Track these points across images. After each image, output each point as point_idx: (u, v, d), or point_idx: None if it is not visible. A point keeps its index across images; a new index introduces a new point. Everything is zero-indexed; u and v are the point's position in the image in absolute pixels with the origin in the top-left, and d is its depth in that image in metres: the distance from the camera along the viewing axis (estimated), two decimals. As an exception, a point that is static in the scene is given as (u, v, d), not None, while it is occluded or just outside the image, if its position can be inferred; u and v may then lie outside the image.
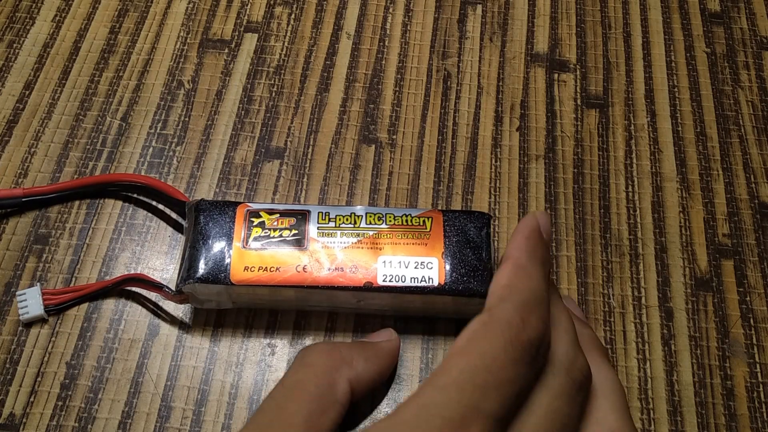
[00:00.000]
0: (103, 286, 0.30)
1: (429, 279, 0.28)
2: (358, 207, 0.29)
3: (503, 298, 0.22)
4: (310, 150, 0.36)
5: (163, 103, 0.37)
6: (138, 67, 0.38)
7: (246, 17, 0.40)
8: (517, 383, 0.21)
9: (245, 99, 0.37)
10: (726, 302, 0.33)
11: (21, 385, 0.29)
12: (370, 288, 0.28)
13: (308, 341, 0.31)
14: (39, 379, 0.30)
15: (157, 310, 0.31)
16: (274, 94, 0.38)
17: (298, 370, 0.25)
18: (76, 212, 0.33)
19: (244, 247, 0.28)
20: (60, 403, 0.29)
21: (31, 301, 0.30)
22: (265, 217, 0.28)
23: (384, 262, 0.28)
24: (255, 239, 0.28)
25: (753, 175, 0.36)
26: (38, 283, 0.31)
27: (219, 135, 0.36)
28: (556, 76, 0.39)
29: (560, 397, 0.22)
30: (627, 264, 0.33)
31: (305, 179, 0.35)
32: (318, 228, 0.28)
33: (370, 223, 0.28)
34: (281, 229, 0.28)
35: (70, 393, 0.29)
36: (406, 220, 0.29)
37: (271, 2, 0.41)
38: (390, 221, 0.29)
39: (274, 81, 0.38)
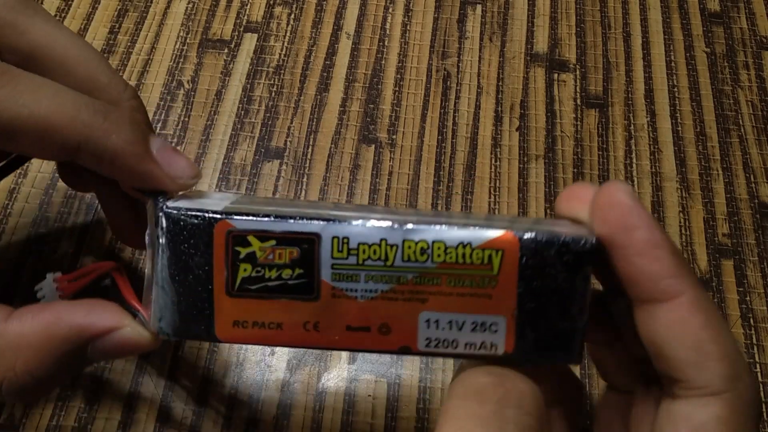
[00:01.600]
0: (98, 273, 0.26)
1: (491, 346, 0.20)
2: (389, 226, 0.19)
3: (736, 359, 0.17)
4: (309, 150, 0.36)
5: (162, 103, 0.37)
6: (138, 67, 0.38)
7: (246, 17, 0.40)
8: None
9: (245, 99, 0.37)
10: (726, 302, 0.33)
11: (21, 385, 0.29)
12: (406, 352, 0.20)
13: (308, 341, 0.31)
14: (39, 379, 0.30)
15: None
16: (273, 94, 0.38)
17: None
18: (76, 212, 0.33)
19: (230, 293, 0.20)
20: (60, 403, 0.29)
21: (49, 296, 0.29)
22: (255, 245, 0.20)
23: (428, 321, 0.20)
24: (244, 282, 0.20)
25: (753, 174, 0.36)
26: (48, 274, 0.30)
27: (219, 135, 0.36)
28: (555, 76, 0.39)
29: None
30: (627, 264, 0.33)
31: (305, 179, 0.35)
32: (333, 267, 0.20)
33: (409, 259, 0.19)
34: (280, 267, 0.20)
35: (69, 393, 0.29)
36: (464, 256, 0.19)
37: (271, 2, 0.41)
38: (439, 256, 0.19)
39: (274, 81, 0.38)
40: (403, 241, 0.19)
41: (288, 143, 0.36)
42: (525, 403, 0.17)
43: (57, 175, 0.34)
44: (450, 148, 0.36)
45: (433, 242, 0.19)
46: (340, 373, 0.30)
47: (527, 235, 0.19)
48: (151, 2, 0.40)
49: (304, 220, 0.19)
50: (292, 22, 0.40)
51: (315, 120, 0.37)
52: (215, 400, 0.29)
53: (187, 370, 0.30)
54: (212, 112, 0.37)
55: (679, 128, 0.37)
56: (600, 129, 0.37)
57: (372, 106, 0.37)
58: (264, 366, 0.30)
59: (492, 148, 0.36)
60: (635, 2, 0.42)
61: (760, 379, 0.31)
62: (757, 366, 0.31)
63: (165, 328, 0.20)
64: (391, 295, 0.20)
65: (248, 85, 0.38)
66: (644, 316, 0.18)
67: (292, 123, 0.37)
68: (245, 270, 0.20)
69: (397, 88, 0.38)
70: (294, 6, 0.40)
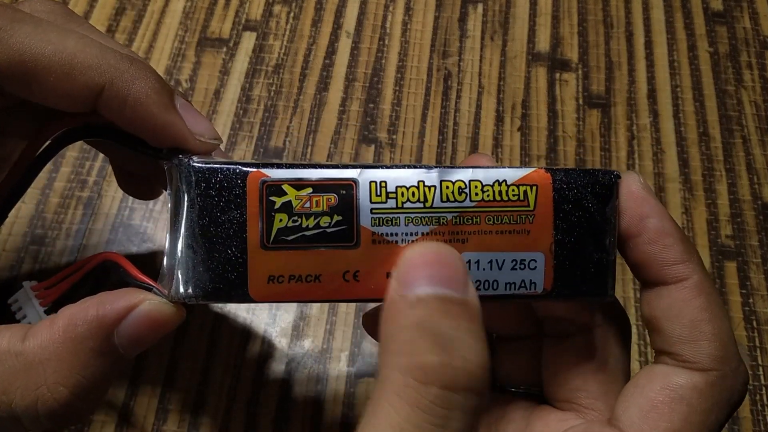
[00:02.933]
0: (84, 272, 0.25)
1: (531, 284, 0.20)
2: (426, 171, 0.20)
3: (727, 343, 0.18)
4: (309, 150, 0.36)
5: (160, 102, 0.37)
6: (136, 66, 0.38)
7: (245, 16, 0.40)
8: None
9: (243, 98, 0.37)
10: (729, 304, 0.32)
11: (17, 387, 0.29)
12: None
13: (307, 343, 0.31)
14: (35, 381, 0.29)
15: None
16: (272, 93, 0.37)
17: None
18: (73, 212, 0.33)
19: (264, 247, 0.19)
20: (56, 406, 0.29)
21: (26, 307, 0.28)
22: (291, 193, 0.19)
23: (469, 262, 0.20)
24: (280, 233, 0.19)
25: (756, 175, 0.36)
26: (24, 282, 0.27)
27: (217, 135, 0.36)
28: (557, 75, 0.39)
29: None
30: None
31: (304, 179, 0.35)
32: (372, 212, 0.19)
33: (448, 199, 0.19)
34: (318, 215, 0.19)
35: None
36: (500, 193, 0.20)
37: (270, 1, 0.40)
38: (477, 195, 0.20)
39: (273, 80, 0.38)
40: (441, 182, 0.19)
41: (287, 143, 0.36)
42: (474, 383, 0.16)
43: (54, 175, 0.34)
44: (451, 149, 0.36)
45: (470, 181, 0.19)
46: (340, 375, 0.30)
47: (558, 171, 0.20)
48: (150, 0, 0.40)
49: (339, 168, 0.19)
50: (291, 20, 0.40)
51: (314, 119, 0.37)
52: (213, 401, 0.29)
53: (186, 371, 0.30)
54: (211, 112, 0.36)
55: (682, 129, 0.37)
56: (602, 129, 0.37)
57: (372, 105, 0.37)
58: (263, 367, 0.30)
59: (493, 148, 0.36)
60: (638, 1, 0.41)
61: (762, 382, 0.31)
62: (760, 369, 0.31)
63: (193, 290, 0.19)
64: (432, 237, 0.19)
65: (247, 84, 0.37)
66: (650, 296, 0.20)
67: (291, 122, 0.36)
68: (281, 220, 0.19)
69: (397, 88, 0.38)
70: (293, 4, 0.40)
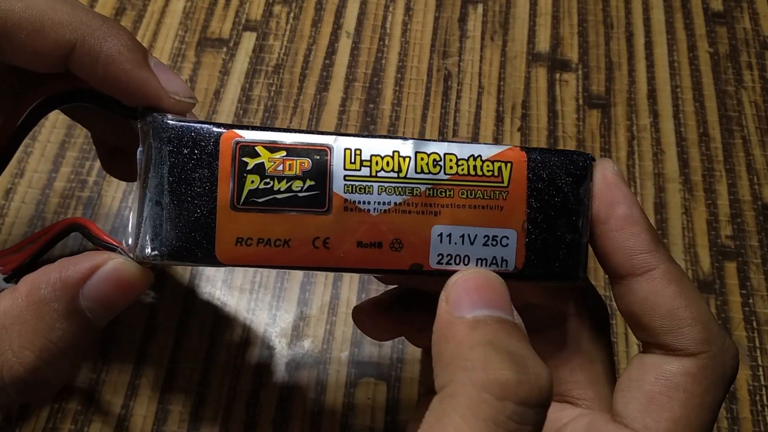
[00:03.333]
0: (50, 236, 0.25)
1: (502, 261, 0.20)
2: (402, 141, 0.20)
3: (708, 323, 0.18)
4: (309, 150, 0.36)
5: (161, 102, 0.37)
6: (136, 66, 0.38)
7: (245, 16, 0.40)
8: None
9: (243, 98, 0.37)
10: (729, 305, 0.32)
11: (16, 387, 0.29)
12: (418, 271, 0.20)
13: (307, 343, 0.31)
14: (35, 381, 0.29)
15: (153, 311, 0.31)
16: (272, 93, 0.37)
17: None
18: (73, 212, 0.33)
19: (234, 207, 0.19)
20: (56, 406, 0.29)
21: None
22: (264, 155, 0.19)
23: (440, 235, 0.19)
24: (251, 194, 0.19)
25: (756, 176, 0.36)
26: None
27: (217, 135, 0.36)
28: (557, 75, 0.39)
29: None
30: (629, 266, 0.33)
31: (304, 179, 0.35)
32: (346, 179, 0.19)
33: (422, 171, 0.19)
34: (290, 179, 0.19)
35: (66, 395, 0.29)
36: (475, 168, 0.20)
37: (270, 1, 0.40)
38: (451, 168, 0.19)
39: (273, 80, 0.38)
40: (416, 153, 0.19)
41: (287, 143, 0.36)
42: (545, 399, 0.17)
43: (54, 175, 0.34)
44: (451, 149, 0.36)
45: (445, 154, 0.19)
46: (339, 375, 0.30)
47: (533, 150, 0.20)
48: (150, 1, 0.40)
49: (315, 134, 0.19)
50: (291, 20, 0.40)
51: (314, 120, 0.37)
52: (213, 402, 0.29)
53: (185, 371, 0.30)
54: (211, 112, 0.36)
55: (682, 129, 0.37)
56: (602, 129, 0.37)
57: (372, 105, 0.37)
58: (263, 367, 0.30)
59: (493, 148, 0.36)
60: (638, 1, 0.41)
61: (762, 382, 0.31)
62: (760, 369, 0.31)
63: (159, 249, 0.19)
64: (405, 207, 0.19)
65: (247, 85, 0.37)
66: (622, 290, 0.20)
67: (291, 123, 0.36)
68: (252, 182, 0.19)
69: (397, 88, 0.38)
70: (293, 4, 0.40)
